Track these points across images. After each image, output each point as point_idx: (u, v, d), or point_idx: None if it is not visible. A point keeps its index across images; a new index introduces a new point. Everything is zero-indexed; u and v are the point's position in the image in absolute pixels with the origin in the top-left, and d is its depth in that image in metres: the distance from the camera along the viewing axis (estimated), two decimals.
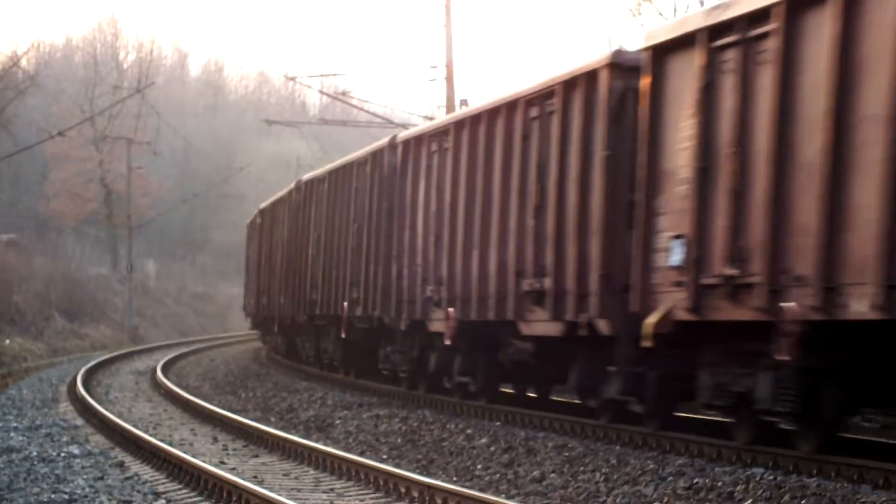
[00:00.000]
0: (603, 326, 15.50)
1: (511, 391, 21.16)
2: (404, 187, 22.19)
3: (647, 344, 14.14)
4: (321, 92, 54.05)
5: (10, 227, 60.54)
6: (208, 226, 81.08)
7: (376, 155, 24.04)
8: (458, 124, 20.03)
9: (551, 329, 16.71)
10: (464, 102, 32.98)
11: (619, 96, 15.46)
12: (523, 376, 19.78)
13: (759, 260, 12.58)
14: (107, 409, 20.95)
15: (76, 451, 16.02)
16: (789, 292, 12.18)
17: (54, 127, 48.41)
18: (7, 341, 39.84)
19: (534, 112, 17.46)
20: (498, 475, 13.94)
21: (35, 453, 15.78)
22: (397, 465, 14.66)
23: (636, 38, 38.21)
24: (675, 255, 13.87)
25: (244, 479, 12.93)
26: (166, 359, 37.46)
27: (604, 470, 13.60)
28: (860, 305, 11.42)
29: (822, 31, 11.84)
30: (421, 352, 22.09)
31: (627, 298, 14.80)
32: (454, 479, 13.97)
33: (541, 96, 17.30)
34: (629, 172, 15.09)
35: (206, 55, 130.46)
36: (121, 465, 15.07)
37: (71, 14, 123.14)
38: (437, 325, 20.49)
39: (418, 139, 21.81)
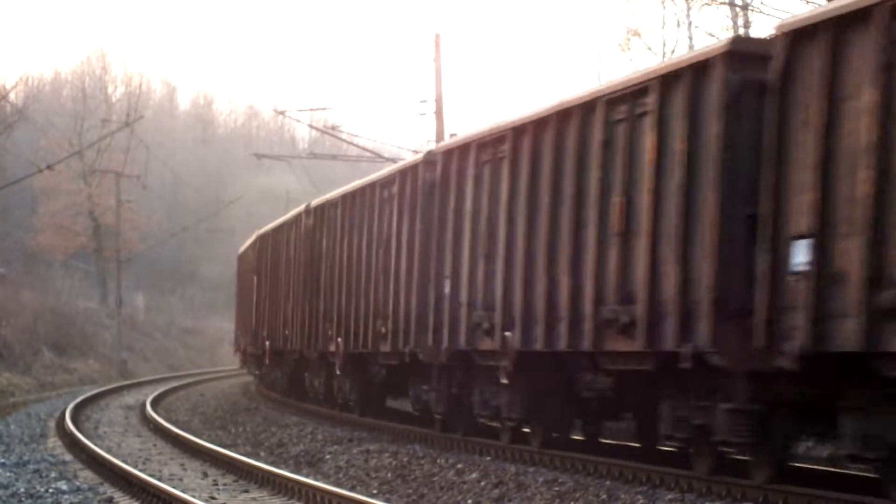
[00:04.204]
0: (422, 356, 20.23)
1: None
2: (318, 242, 27.20)
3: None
4: (311, 126, 54.17)
5: None
6: (197, 259, 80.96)
7: (298, 217, 29.65)
8: (344, 197, 25.13)
9: (393, 358, 22.07)
10: (453, 136, 32.97)
11: (430, 184, 20.05)
12: (386, 391, 25.01)
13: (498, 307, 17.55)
14: (96, 445, 20.87)
15: (64, 487, 15.95)
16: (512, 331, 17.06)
17: (43, 160, 48.44)
18: None
19: (385, 193, 22.49)
20: None
21: (23, 490, 15.71)
22: (388, 500, 14.63)
23: (624, 72, 38.34)
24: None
25: None
26: (156, 393, 37.36)
27: None
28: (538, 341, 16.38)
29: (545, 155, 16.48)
30: (326, 377, 27.30)
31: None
32: None
33: (383, 184, 22.63)
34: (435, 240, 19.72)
35: (195, 89, 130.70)
36: (109, 500, 15.02)
37: (60, 48, 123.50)
38: (332, 356, 25.76)
39: (323, 206, 26.93)
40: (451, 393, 19.84)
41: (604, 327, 14.83)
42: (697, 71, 13.41)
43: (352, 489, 15.54)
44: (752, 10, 32.88)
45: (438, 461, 17.75)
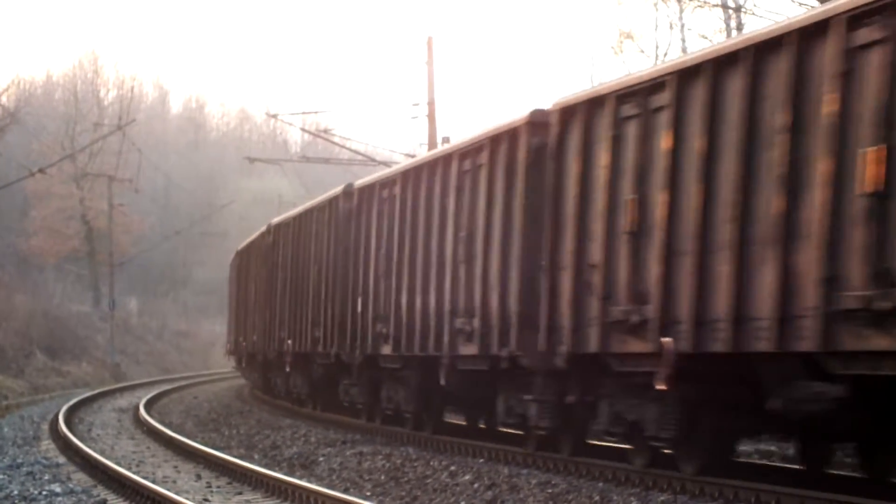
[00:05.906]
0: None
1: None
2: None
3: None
4: (303, 129, 54.30)
5: None
6: (190, 263, 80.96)
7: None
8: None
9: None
10: (445, 140, 33.00)
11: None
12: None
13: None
14: (89, 447, 20.88)
15: (58, 490, 15.96)
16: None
17: (35, 164, 48.38)
18: None
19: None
20: None
21: (16, 492, 15.71)
22: (381, 503, 14.65)
23: (618, 75, 38.34)
24: None
25: None
26: (149, 396, 37.36)
27: None
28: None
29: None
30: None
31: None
32: None
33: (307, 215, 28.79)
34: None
35: (187, 92, 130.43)
36: (103, 503, 15.02)
37: (51, 51, 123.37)
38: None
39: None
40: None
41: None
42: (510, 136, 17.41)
43: (345, 491, 15.56)
44: (745, 12, 32.97)
45: (432, 463, 17.78)
